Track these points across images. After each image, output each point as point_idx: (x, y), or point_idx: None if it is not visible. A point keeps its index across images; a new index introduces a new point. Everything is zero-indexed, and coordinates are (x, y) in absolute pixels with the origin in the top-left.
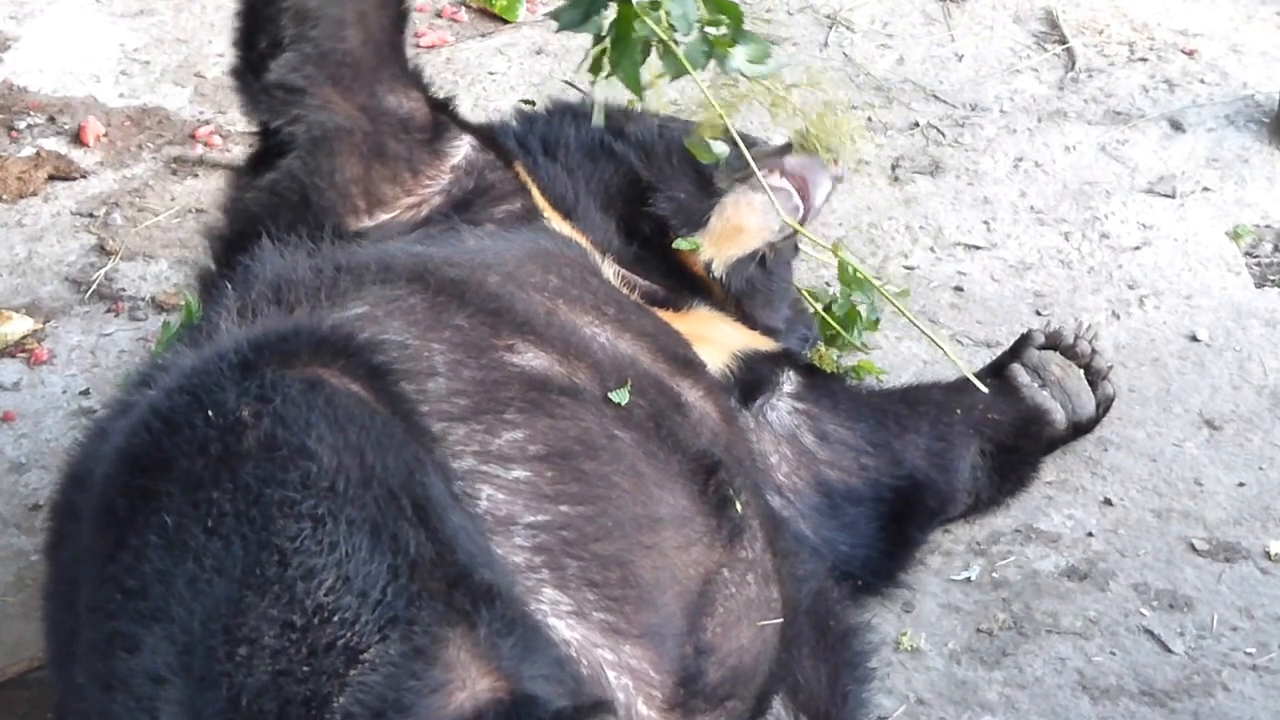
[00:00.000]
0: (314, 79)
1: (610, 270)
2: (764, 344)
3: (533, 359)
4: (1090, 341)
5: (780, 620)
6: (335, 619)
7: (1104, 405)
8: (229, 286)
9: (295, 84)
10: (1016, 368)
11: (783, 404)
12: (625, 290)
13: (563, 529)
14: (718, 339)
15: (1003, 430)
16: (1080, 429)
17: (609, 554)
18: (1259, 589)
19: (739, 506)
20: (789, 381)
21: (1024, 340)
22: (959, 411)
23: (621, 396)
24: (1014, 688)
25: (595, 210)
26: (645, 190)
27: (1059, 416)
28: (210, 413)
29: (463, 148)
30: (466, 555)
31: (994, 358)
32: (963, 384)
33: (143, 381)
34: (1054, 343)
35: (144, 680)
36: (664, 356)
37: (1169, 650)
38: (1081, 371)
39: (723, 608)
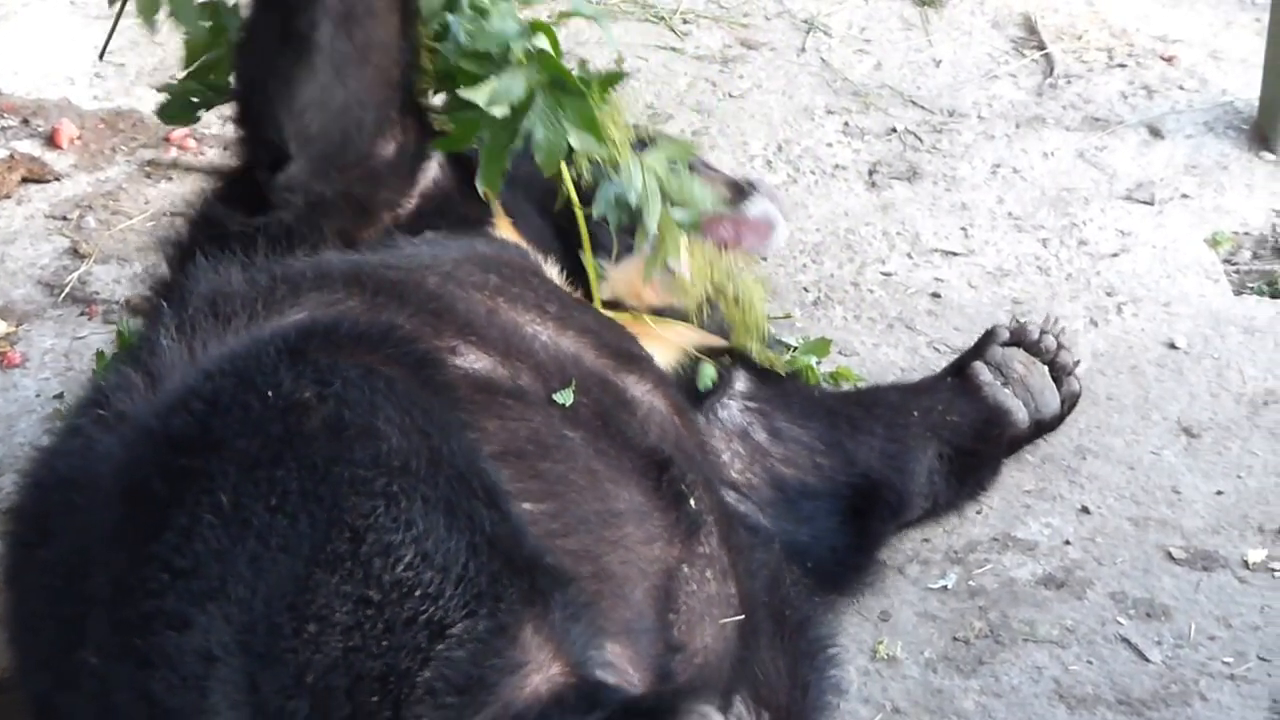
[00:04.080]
0: (316, 171)
1: (553, 270)
2: (714, 341)
3: (475, 360)
4: (1057, 336)
5: (741, 616)
6: (417, 594)
7: (1069, 402)
8: (165, 305)
9: (299, 178)
10: (979, 365)
11: (734, 402)
12: (568, 288)
13: (531, 525)
14: (667, 337)
15: (962, 433)
16: (1043, 427)
17: (579, 549)
18: (1236, 598)
19: (693, 502)
20: (740, 380)
21: (988, 337)
22: (915, 413)
23: (566, 398)
24: (990, 696)
25: (535, 216)
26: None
27: (1021, 416)
28: (270, 393)
29: (432, 169)
30: (535, 539)
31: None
32: (922, 385)
33: (93, 402)
34: (1018, 339)
35: (194, 658)
36: (607, 352)
37: (1146, 659)
38: (1046, 369)
39: (686, 605)
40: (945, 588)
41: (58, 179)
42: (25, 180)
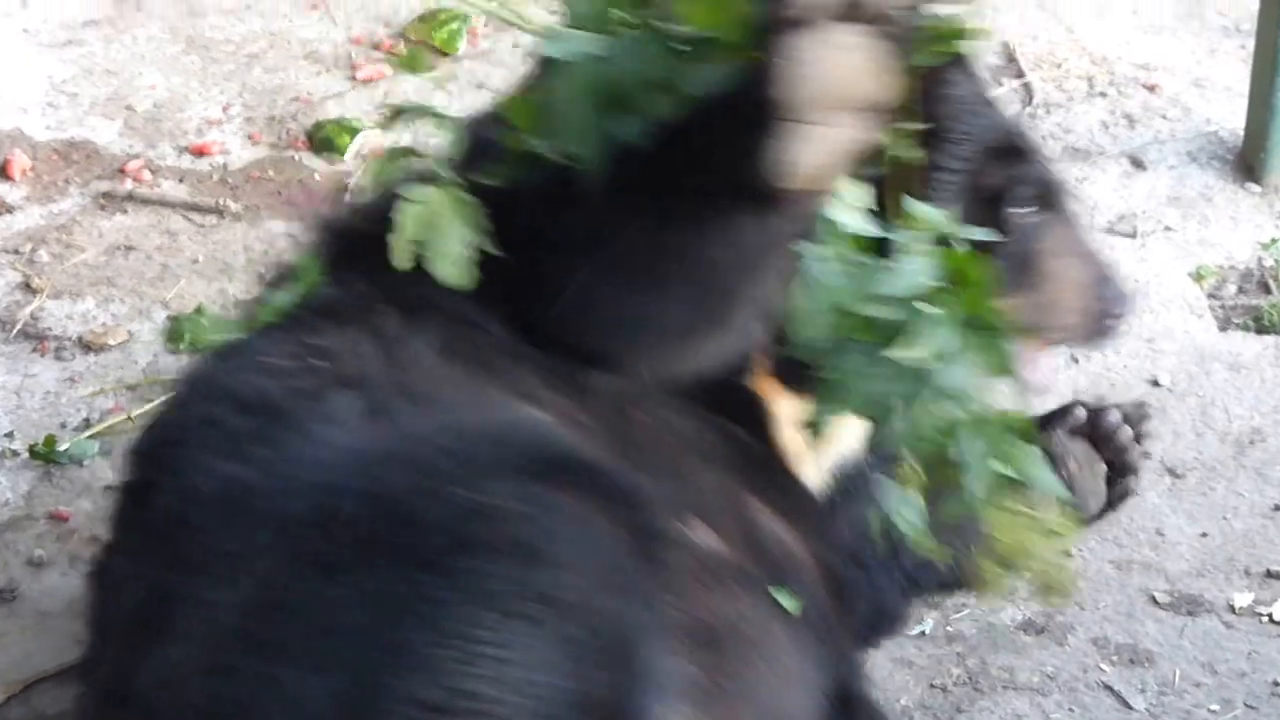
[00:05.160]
0: None
1: (786, 411)
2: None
3: (706, 538)
4: (1138, 426)
5: None
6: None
7: (1116, 504)
8: (412, 305)
9: None
10: None
11: None
12: (791, 449)
13: (683, 693)
14: (832, 441)
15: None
16: None
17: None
18: (1222, 643)
19: None
20: None
21: (1059, 418)
22: None
23: (793, 607)
24: None
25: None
26: None
27: None
28: (457, 500)
29: None
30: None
31: None
32: None
33: (313, 350)
34: (1091, 428)
35: None
36: (830, 553)
37: (1129, 707)
38: (1105, 469)
39: None
40: (922, 633)
41: (10, 211)
42: None
